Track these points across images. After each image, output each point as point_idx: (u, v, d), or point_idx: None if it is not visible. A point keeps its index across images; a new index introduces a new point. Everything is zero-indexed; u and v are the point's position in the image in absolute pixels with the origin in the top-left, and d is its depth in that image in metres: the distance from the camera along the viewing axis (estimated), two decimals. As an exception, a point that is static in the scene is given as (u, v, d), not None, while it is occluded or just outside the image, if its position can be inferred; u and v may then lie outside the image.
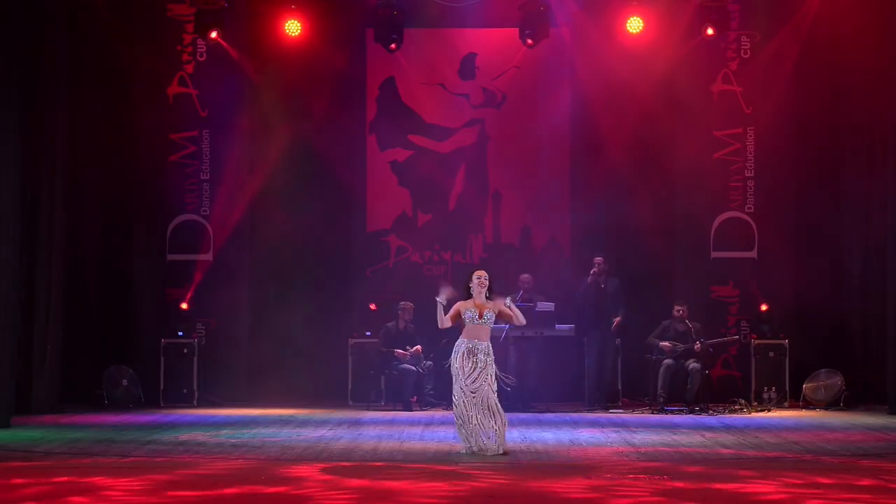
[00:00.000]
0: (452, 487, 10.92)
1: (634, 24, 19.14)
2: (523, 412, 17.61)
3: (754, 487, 10.77)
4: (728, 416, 17.48)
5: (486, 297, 13.27)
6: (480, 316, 13.19)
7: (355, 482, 11.16)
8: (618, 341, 18.55)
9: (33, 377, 17.40)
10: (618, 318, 18.29)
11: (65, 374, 18.22)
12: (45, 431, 15.17)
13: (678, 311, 18.12)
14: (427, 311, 18.63)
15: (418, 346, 18.37)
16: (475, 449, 13.12)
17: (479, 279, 13.27)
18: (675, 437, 14.70)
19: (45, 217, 17.67)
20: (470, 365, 13.18)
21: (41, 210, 17.62)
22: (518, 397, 17.99)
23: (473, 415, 13.15)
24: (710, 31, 18.86)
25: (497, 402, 13.23)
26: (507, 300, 13.64)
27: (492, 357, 13.26)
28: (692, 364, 17.87)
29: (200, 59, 19.65)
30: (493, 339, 17.40)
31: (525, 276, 18.37)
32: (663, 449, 13.60)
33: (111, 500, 10.26)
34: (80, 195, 18.92)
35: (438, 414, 17.58)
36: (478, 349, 13.19)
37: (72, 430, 15.46)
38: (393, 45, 19.18)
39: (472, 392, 13.15)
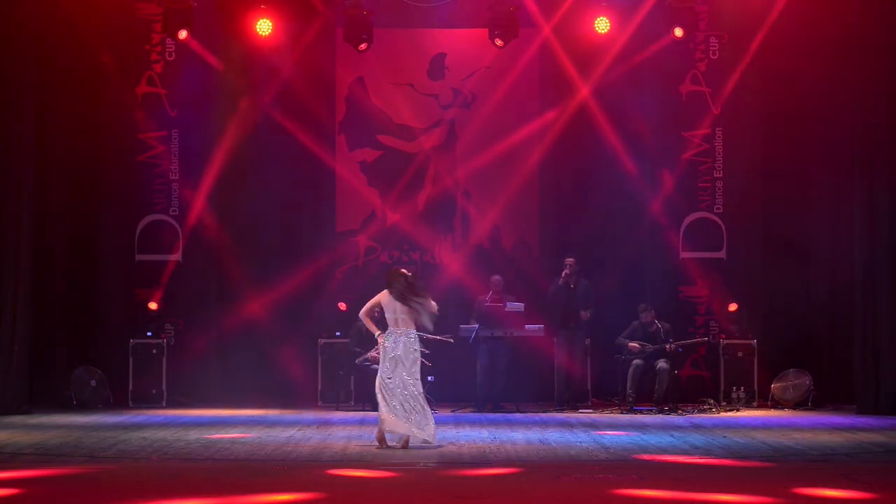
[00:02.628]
0: (416, 486, 10.92)
1: (602, 25, 19.17)
2: (493, 412, 17.64)
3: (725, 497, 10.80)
4: (697, 415, 17.53)
5: (406, 295, 13.74)
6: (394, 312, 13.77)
7: (326, 481, 11.14)
8: (587, 341, 18.59)
9: (1, 379, 17.30)
10: (586, 313, 18.30)
11: (32, 376, 18.12)
12: (13, 432, 15.08)
13: (644, 313, 18.15)
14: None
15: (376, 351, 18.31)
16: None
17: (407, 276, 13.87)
18: (645, 436, 14.73)
19: (12, 217, 17.58)
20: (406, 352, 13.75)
21: (7, 210, 17.53)
22: (488, 397, 18.05)
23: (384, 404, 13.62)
24: (678, 33, 18.90)
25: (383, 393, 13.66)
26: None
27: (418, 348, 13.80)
28: (661, 364, 17.91)
29: (169, 59, 19.59)
30: (463, 340, 17.63)
31: (495, 278, 18.38)
32: (633, 449, 13.62)
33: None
34: (48, 195, 18.84)
35: (408, 414, 17.57)
36: (410, 336, 13.77)
37: (39, 431, 15.37)
38: (362, 45, 19.17)
39: (387, 380, 13.67)
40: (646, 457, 13.00)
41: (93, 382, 18.54)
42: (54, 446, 13.85)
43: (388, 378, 13.64)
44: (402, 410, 13.54)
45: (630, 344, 18.06)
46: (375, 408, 17.68)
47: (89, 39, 19.07)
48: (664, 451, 13.49)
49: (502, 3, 18.79)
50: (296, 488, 10.84)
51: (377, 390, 13.68)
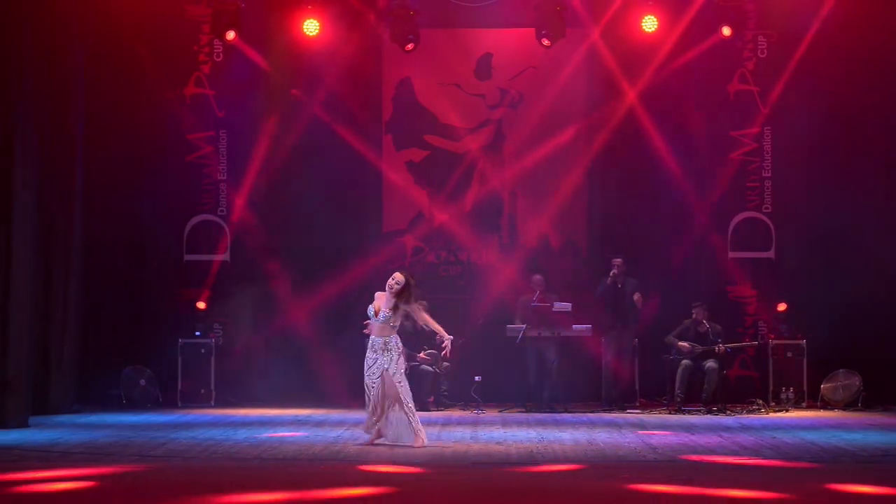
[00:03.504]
0: (466, 486, 10.93)
1: (650, 24, 19.13)
2: (542, 412, 17.62)
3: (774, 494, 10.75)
4: (746, 416, 17.44)
5: (398, 300, 13.74)
6: (376, 314, 13.79)
7: (385, 479, 11.16)
8: (635, 341, 18.54)
9: (51, 378, 17.45)
10: (638, 296, 18.18)
11: (82, 375, 18.27)
12: (63, 431, 15.19)
13: (696, 312, 18.09)
14: (443, 312, 18.75)
15: (425, 351, 18.30)
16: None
17: (391, 280, 13.84)
18: (693, 437, 14.67)
19: (63, 218, 17.70)
20: (371, 359, 13.80)
21: (58, 211, 17.64)
22: (537, 397, 18.05)
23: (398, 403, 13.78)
24: (726, 32, 18.82)
25: (406, 392, 13.81)
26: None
27: (398, 348, 13.82)
28: (710, 364, 17.84)
29: (217, 60, 19.68)
30: (510, 340, 17.64)
31: (536, 277, 18.38)
32: (681, 449, 13.56)
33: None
34: (97, 196, 18.94)
35: (455, 414, 17.61)
36: (374, 344, 13.81)
37: (89, 430, 15.47)
38: (409, 46, 19.19)
39: (372, 384, 13.76)
40: (694, 457, 12.94)
41: (142, 382, 18.65)
42: (104, 445, 13.93)
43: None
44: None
45: (679, 344, 18.00)
46: (423, 408, 17.85)
47: (137, 41, 19.18)
48: (713, 451, 13.42)
49: (549, 3, 18.75)
50: (361, 483, 10.87)
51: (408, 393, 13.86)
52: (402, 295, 13.74)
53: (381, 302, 13.82)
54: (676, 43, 19.30)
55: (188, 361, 18.85)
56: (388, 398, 13.78)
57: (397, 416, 13.83)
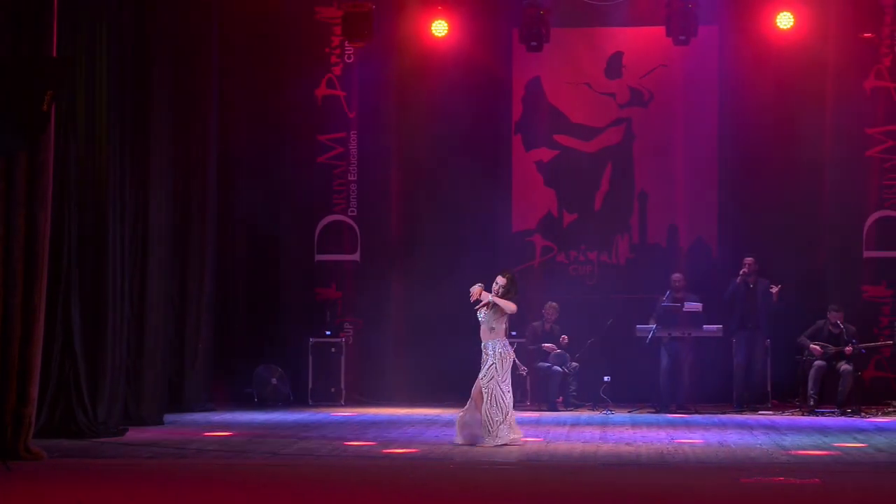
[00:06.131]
0: (593, 488, 10.90)
1: (785, 20, 18.88)
2: (676, 413, 17.50)
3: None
4: (881, 418, 17.14)
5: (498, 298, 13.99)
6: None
7: (498, 481, 11.18)
8: (767, 342, 18.32)
9: (185, 376, 17.73)
10: (775, 288, 17.93)
11: (215, 373, 18.54)
12: (197, 429, 15.43)
13: (833, 315, 17.80)
14: (572, 312, 18.70)
15: (564, 336, 18.31)
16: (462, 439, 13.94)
17: (494, 286, 14.08)
18: (826, 439, 14.45)
19: (197, 218, 17.96)
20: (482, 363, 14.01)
21: (192, 211, 17.92)
22: (671, 398, 17.93)
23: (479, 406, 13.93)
24: (866, 35, 18.53)
25: (499, 396, 13.91)
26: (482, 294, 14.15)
27: (494, 354, 13.93)
28: (843, 366, 17.57)
29: (348, 61, 19.83)
30: (640, 340, 17.55)
31: (676, 276, 18.27)
32: (815, 452, 13.38)
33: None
34: (230, 196, 19.21)
35: (584, 414, 17.55)
36: (485, 347, 14.04)
37: (223, 427, 15.70)
38: (539, 45, 19.13)
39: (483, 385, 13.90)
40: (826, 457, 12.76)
41: (273, 380, 18.86)
42: (237, 443, 14.12)
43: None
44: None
45: (811, 346, 17.75)
46: (552, 408, 17.83)
47: (270, 42, 19.43)
48: (847, 454, 13.21)
49: (680, 0, 18.58)
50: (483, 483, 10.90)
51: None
52: (506, 296, 13.98)
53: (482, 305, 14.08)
54: (810, 39, 18.99)
55: (319, 360, 19.02)
56: (473, 399, 13.96)
57: (473, 416, 13.96)
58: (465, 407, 14.02)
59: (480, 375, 13.93)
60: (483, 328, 14.02)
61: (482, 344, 14.02)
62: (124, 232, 15.49)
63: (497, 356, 13.90)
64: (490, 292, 14.03)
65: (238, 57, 19.24)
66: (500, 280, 14.01)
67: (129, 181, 15.61)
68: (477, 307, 14.08)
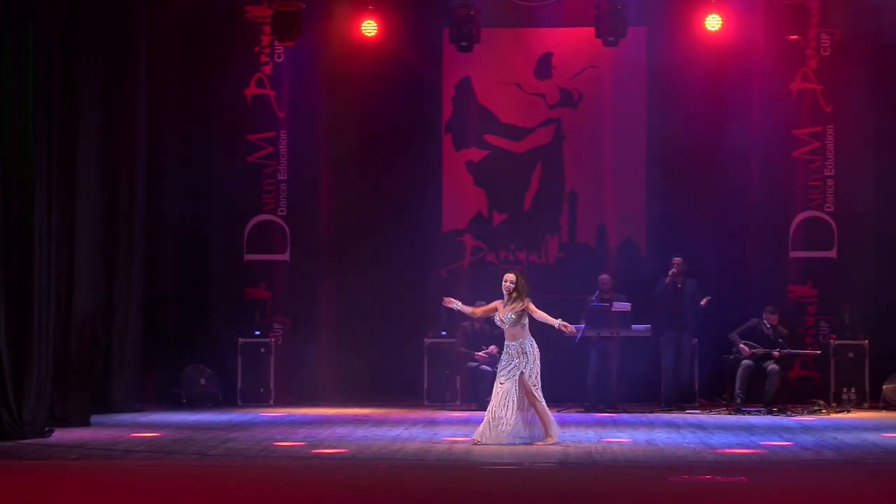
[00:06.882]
0: (523, 487, 10.93)
1: (713, 22, 19.02)
2: (604, 412, 17.57)
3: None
4: (807, 417, 17.32)
5: (514, 300, 13.98)
6: (502, 322, 14.00)
7: (428, 481, 11.18)
8: (695, 342, 18.45)
9: (113, 376, 17.57)
10: (705, 300, 18.07)
11: (144, 374, 18.41)
12: (125, 430, 15.31)
13: (768, 317, 17.94)
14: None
15: (493, 347, 18.35)
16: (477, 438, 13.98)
17: (504, 283, 14.04)
18: (753, 437, 14.59)
19: (124, 218, 17.82)
20: (505, 362, 14.06)
21: (121, 211, 17.77)
22: (600, 397, 18.00)
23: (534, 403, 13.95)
24: (792, 37, 18.71)
25: (515, 397, 13.92)
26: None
27: (522, 357, 13.94)
28: (770, 365, 17.73)
29: (278, 61, 19.77)
30: (569, 340, 17.61)
31: (604, 277, 18.33)
32: (742, 450, 13.50)
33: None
34: (158, 196, 19.08)
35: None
36: (509, 349, 14.01)
37: (151, 428, 15.59)
38: (469, 45, 19.15)
39: (499, 384, 13.99)
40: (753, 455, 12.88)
41: (202, 381, 18.76)
42: (165, 444, 14.04)
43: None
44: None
45: (741, 345, 17.89)
46: (481, 407, 17.86)
47: (200, 41, 19.35)
48: (773, 452, 13.33)
49: (609, 2, 18.65)
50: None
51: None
52: (519, 292, 13.97)
53: (501, 306, 14.05)
54: (738, 41, 19.15)
55: (248, 361, 18.94)
56: (524, 400, 13.93)
57: (531, 416, 13.99)
58: (517, 407, 13.88)
59: (526, 374, 13.88)
60: (511, 329, 13.96)
61: (513, 345, 13.94)
62: (51, 230, 15.33)
63: (537, 353, 13.97)
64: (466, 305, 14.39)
65: (168, 55, 19.10)
66: (509, 276, 14.04)
67: (55, 181, 15.45)
68: (497, 313, 14.05)
